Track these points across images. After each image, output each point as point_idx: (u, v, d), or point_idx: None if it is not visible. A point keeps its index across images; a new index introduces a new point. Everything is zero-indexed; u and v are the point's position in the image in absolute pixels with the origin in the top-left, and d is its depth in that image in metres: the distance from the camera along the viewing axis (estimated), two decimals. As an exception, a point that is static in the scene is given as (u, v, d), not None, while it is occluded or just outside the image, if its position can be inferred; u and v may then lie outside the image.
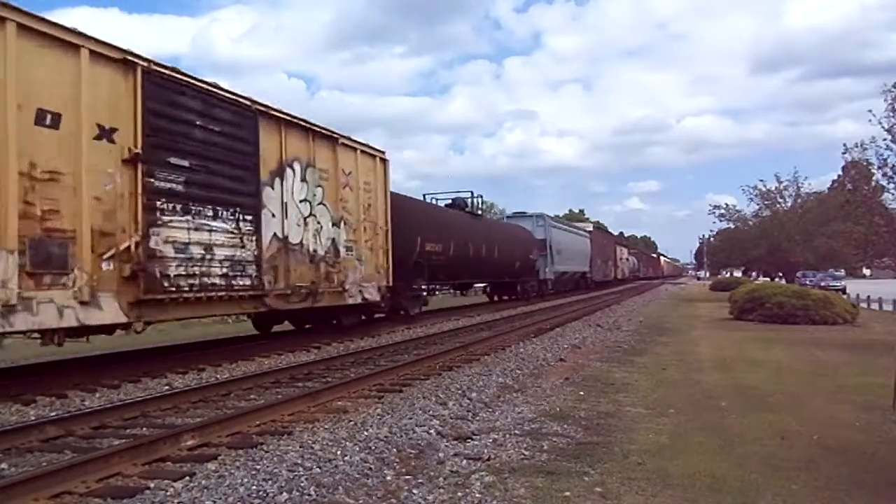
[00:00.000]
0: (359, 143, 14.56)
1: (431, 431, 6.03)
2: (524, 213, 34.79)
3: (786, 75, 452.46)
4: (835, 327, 17.97)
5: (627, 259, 67.69)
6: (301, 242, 12.07)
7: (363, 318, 15.68)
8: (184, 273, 9.24)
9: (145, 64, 8.78)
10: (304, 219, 12.23)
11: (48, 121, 7.49)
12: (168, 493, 4.29)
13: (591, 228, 47.95)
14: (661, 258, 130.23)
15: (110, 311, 8.14)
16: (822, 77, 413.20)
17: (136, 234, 8.47)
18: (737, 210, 39.99)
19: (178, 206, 9.21)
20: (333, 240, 13.16)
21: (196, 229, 9.51)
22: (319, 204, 12.75)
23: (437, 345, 12.69)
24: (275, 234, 11.32)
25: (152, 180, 8.80)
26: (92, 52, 8.07)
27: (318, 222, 12.67)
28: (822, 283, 34.48)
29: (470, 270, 23.44)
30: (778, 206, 36.93)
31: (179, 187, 9.25)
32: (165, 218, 8.97)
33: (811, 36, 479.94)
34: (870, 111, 19.94)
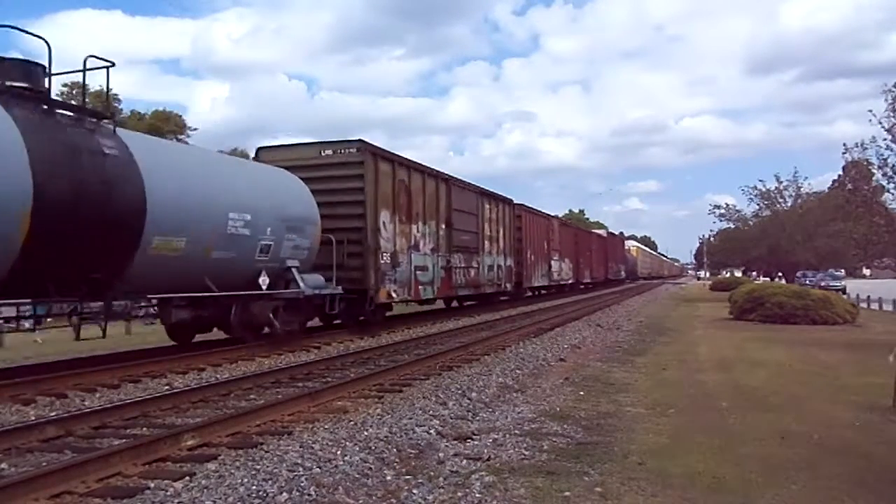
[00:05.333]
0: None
1: (431, 431, 6.03)
2: None
3: (783, 76, 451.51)
4: (835, 327, 17.98)
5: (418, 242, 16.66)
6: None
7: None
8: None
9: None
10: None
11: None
12: (168, 493, 4.29)
13: None
14: (632, 244, 75.62)
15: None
16: (819, 78, 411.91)
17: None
18: (737, 210, 39.86)
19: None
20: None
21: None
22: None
23: (437, 345, 12.70)
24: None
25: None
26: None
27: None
28: (822, 283, 34.47)
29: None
30: (778, 206, 36.91)
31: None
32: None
33: (807, 37, 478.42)
34: (870, 111, 19.84)
